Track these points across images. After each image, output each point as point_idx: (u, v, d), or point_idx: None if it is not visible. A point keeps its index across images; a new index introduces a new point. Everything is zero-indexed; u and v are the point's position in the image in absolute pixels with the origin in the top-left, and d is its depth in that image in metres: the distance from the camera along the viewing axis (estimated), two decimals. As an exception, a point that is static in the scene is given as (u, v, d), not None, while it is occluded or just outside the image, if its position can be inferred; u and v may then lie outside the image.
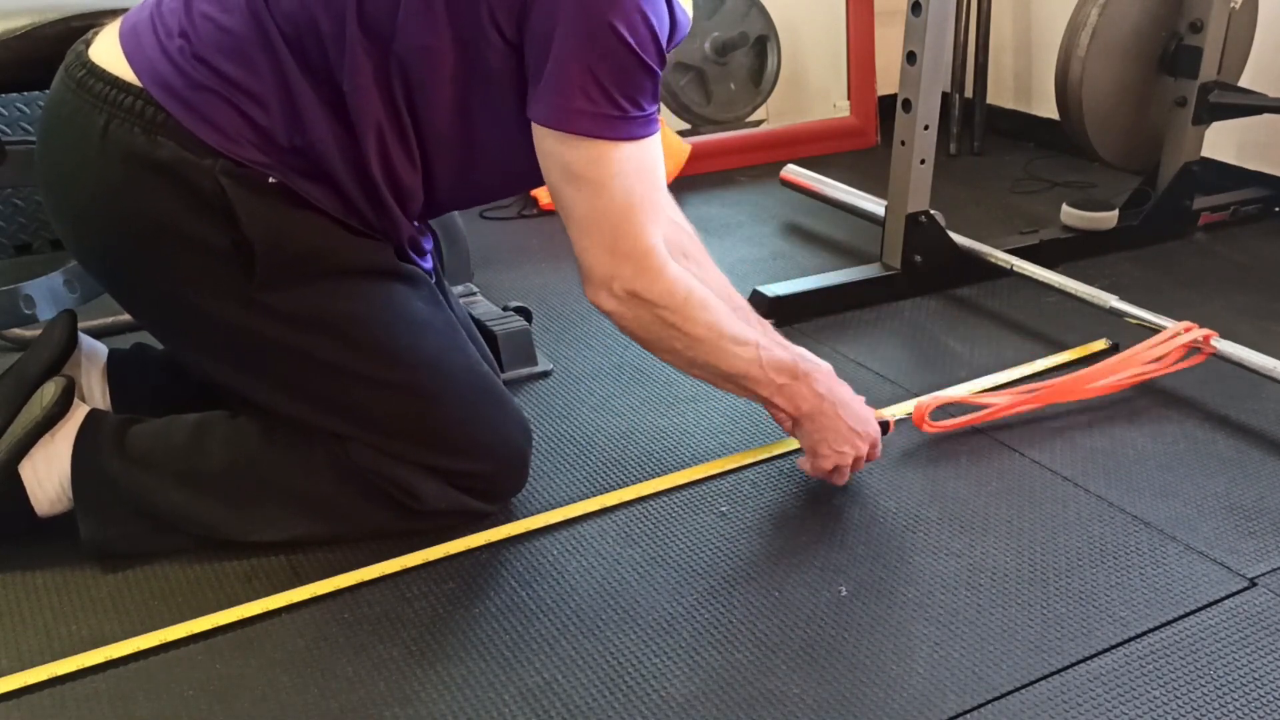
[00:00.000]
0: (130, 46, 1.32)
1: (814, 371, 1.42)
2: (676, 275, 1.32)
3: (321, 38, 1.28)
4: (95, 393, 1.53)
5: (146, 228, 1.32)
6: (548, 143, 1.28)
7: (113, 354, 1.58)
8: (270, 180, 1.31)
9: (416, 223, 1.47)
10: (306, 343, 1.36)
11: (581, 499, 1.54)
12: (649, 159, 1.30)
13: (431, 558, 1.40)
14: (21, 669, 1.24)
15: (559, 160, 1.28)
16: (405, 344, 1.40)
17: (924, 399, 1.65)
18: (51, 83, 1.40)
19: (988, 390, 1.76)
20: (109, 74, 1.31)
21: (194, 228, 1.31)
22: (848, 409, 1.45)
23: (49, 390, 1.38)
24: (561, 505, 1.52)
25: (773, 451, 1.62)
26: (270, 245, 1.31)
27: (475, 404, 1.44)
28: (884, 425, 1.56)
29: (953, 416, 1.67)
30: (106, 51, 1.34)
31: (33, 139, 1.97)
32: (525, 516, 1.50)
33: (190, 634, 1.28)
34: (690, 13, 1.37)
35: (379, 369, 1.38)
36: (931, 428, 1.63)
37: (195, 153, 1.28)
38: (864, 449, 1.47)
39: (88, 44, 1.38)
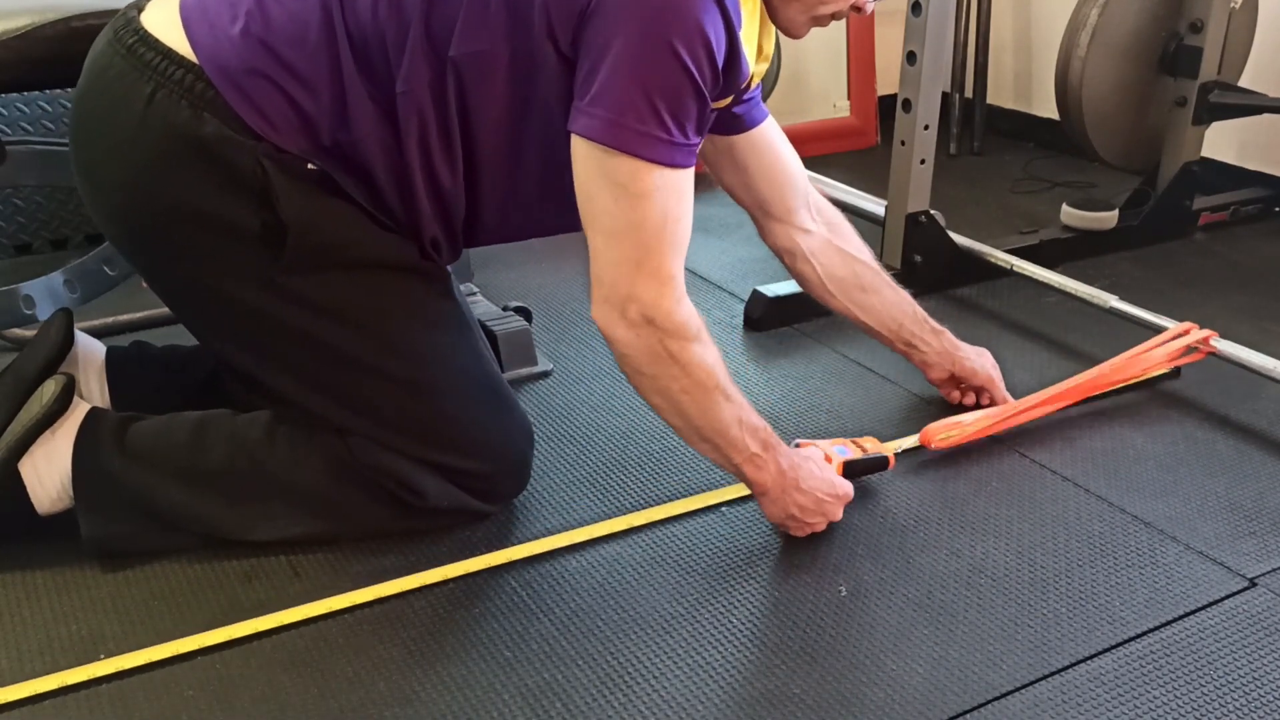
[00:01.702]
0: (191, 21, 1.32)
1: (780, 445, 1.40)
2: (691, 310, 1.31)
3: (385, 44, 1.29)
4: (93, 391, 1.53)
5: (176, 203, 1.32)
6: (589, 155, 1.25)
7: (112, 352, 1.58)
8: (309, 166, 1.31)
9: (464, 245, 1.47)
10: (322, 330, 1.36)
11: (582, 500, 1.54)
12: (685, 190, 1.28)
13: (437, 579, 1.40)
14: (21, 669, 1.24)
15: (599, 172, 1.25)
16: (419, 340, 1.40)
17: (932, 426, 1.63)
18: (47, 85, 1.40)
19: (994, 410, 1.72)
20: (162, 44, 1.31)
21: (225, 207, 1.31)
22: (812, 480, 1.42)
23: (49, 388, 1.38)
24: (562, 506, 1.52)
25: (773, 451, 1.62)
26: (302, 229, 1.32)
27: (482, 404, 1.44)
28: (883, 461, 1.55)
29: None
30: (162, 22, 1.34)
31: (33, 139, 1.97)
32: (525, 517, 1.50)
33: (198, 648, 1.28)
34: (753, 63, 1.36)
35: (390, 362, 1.38)
36: (941, 445, 1.62)
37: (239, 133, 1.29)
38: (836, 514, 1.44)
39: (140, 9, 1.37)
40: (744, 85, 1.35)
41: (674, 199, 1.26)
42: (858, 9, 1.40)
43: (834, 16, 1.41)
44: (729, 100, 1.37)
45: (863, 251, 1.69)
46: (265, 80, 1.28)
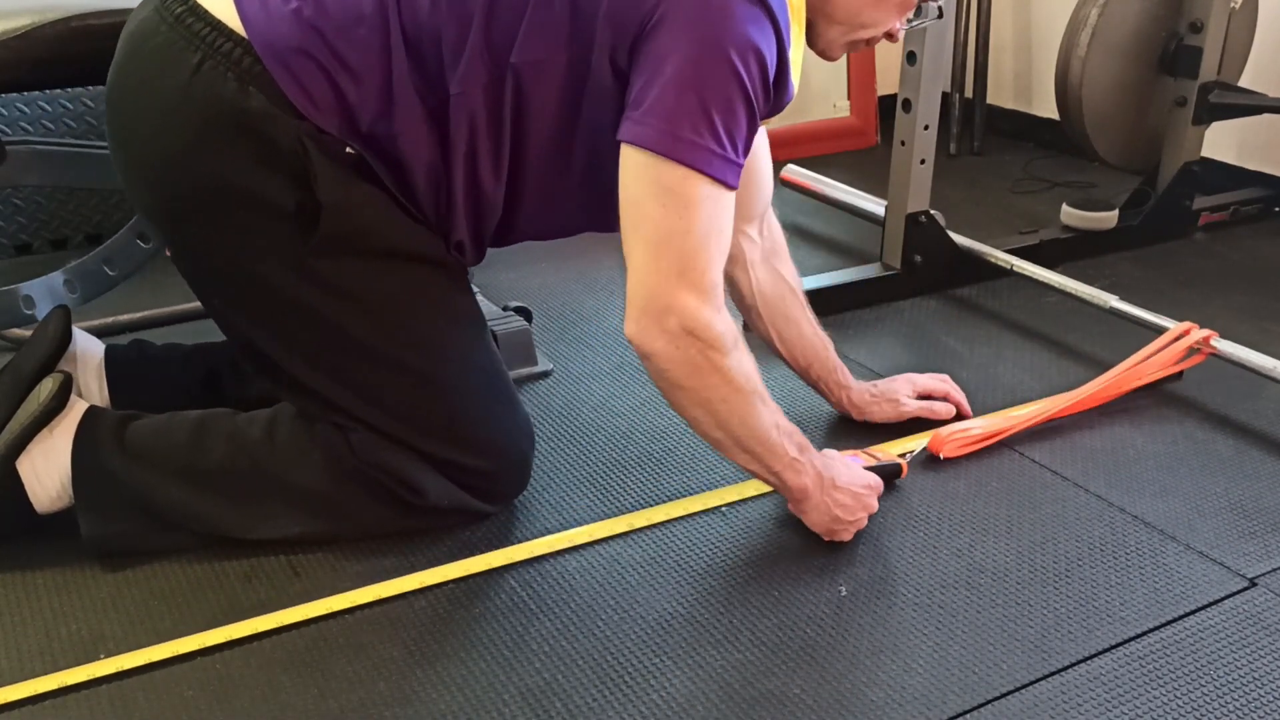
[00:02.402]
0: None
1: (811, 446, 1.40)
2: (730, 320, 1.31)
3: (440, 44, 1.30)
4: (93, 389, 1.53)
5: (212, 176, 1.32)
6: (640, 163, 1.25)
7: (111, 351, 1.58)
8: (348, 150, 1.32)
9: (489, 245, 1.47)
10: (343, 316, 1.36)
11: (582, 500, 1.54)
12: (730, 207, 1.29)
13: (437, 579, 1.40)
14: (21, 669, 1.24)
15: (648, 179, 1.25)
16: (437, 334, 1.41)
17: (942, 431, 1.63)
18: (47, 85, 1.40)
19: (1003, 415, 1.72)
20: (212, 16, 1.31)
21: (262, 184, 1.31)
22: (845, 476, 1.42)
23: (46, 385, 1.38)
24: (562, 506, 1.52)
25: (773, 451, 1.62)
26: (336, 212, 1.32)
27: (488, 401, 1.45)
28: (896, 468, 1.55)
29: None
30: None
31: (33, 139, 1.97)
32: (525, 517, 1.50)
33: (198, 648, 1.28)
34: (797, 86, 1.37)
35: (407, 354, 1.39)
36: (950, 453, 1.62)
37: (283, 110, 1.29)
38: (874, 506, 1.45)
39: None
40: (788, 104, 1.37)
41: (720, 211, 1.27)
42: (890, 36, 1.43)
43: (868, 43, 1.44)
44: (768, 121, 1.39)
45: (795, 280, 1.68)
46: (312, 62, 1.29)
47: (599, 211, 1.37)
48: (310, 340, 1.39)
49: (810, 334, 1.67)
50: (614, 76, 1.29)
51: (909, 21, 1.44)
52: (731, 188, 1.27)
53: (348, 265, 1.35)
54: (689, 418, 1.34)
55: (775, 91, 1.30)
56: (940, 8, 1.61)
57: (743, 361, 1.31)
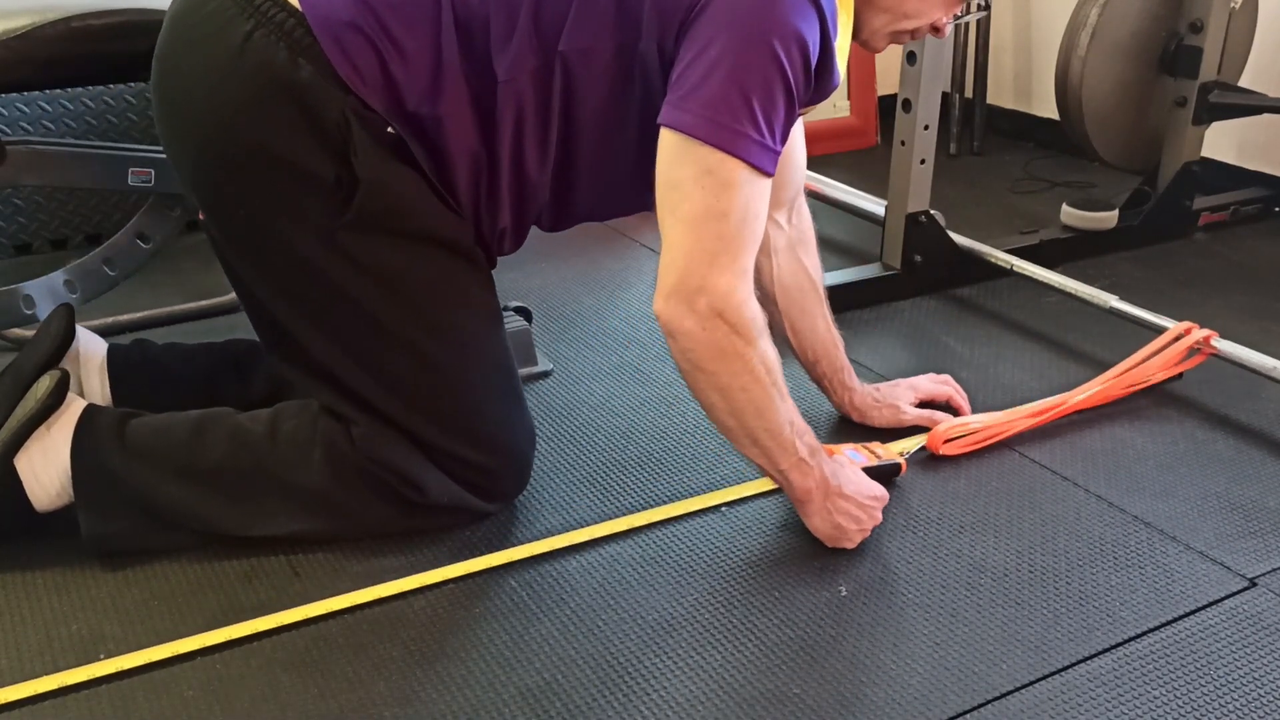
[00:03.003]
0: None
1: (823, 452, 1.40)
2: (758, 308, 1.31)
3: (489, 30, 1.31)
4: (94, 387, 1.53)
5: (257, 141, 1.32)
6: (679, 146, 1.26)
7: (113, 350, 1.58)
8: (389, 130, 1.32)
9: (539, 227, 1.49)
10: (368, 295, 1.37)
11: (582, 500, 1.54)
12: (766, 194, 1.29)
13: (437, 579, 1.40)
14: (21, 669, 1.24)
15: (687, 161, 1.26)
16: (457, 323, 1.41)
17: (939, 428, 1.63)
18: (47, 85, 1.40)
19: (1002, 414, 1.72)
20: None
21: (305, 154, 1.32)
22: (853, 485, 1.42)
23: (43, 383, 1.38)
24: (562, 506, 1.52)
25: (773, 451, 1.62)
26: (373, 188, 1.33)
27: (496, 396, 1.45)
28: (896, 467, 1.56)
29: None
30: None
31: (33, 139, 1.97)
32: (525, 517, 1.50)
33: (198, 648, 1.28)
34: (843, 74, 1.38)
35: (426, 340, 1.39)
36: (949, 451, 1.62)
37: (331, 83, 1.30)
38: (879, 517, 1.45)
39: None
40: (832, 92, 1.37)
41: (756, 197, 1.28)
42: (936, 30, 1.44)
43: (913, 35, 1.45)
44: (812, 108, 1.39)
45: (818, 274, 1.68)
46: (363, 37, 1.29)
47: (650, 190, 1.38)
48: (330, 314, 1.39)
49: (824, 330, 1.67)
50: (662, 63, 1.30)
51: (956, 16, 1.45)
52: (768, 174, 1.28)
53: (377, 243, 1.36)
54: (705, 402, 1.34)
55: (819, 80, 1.31)
56: (987, 1, 1.62)
57: (766, 352, 1.31)
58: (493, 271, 1.48)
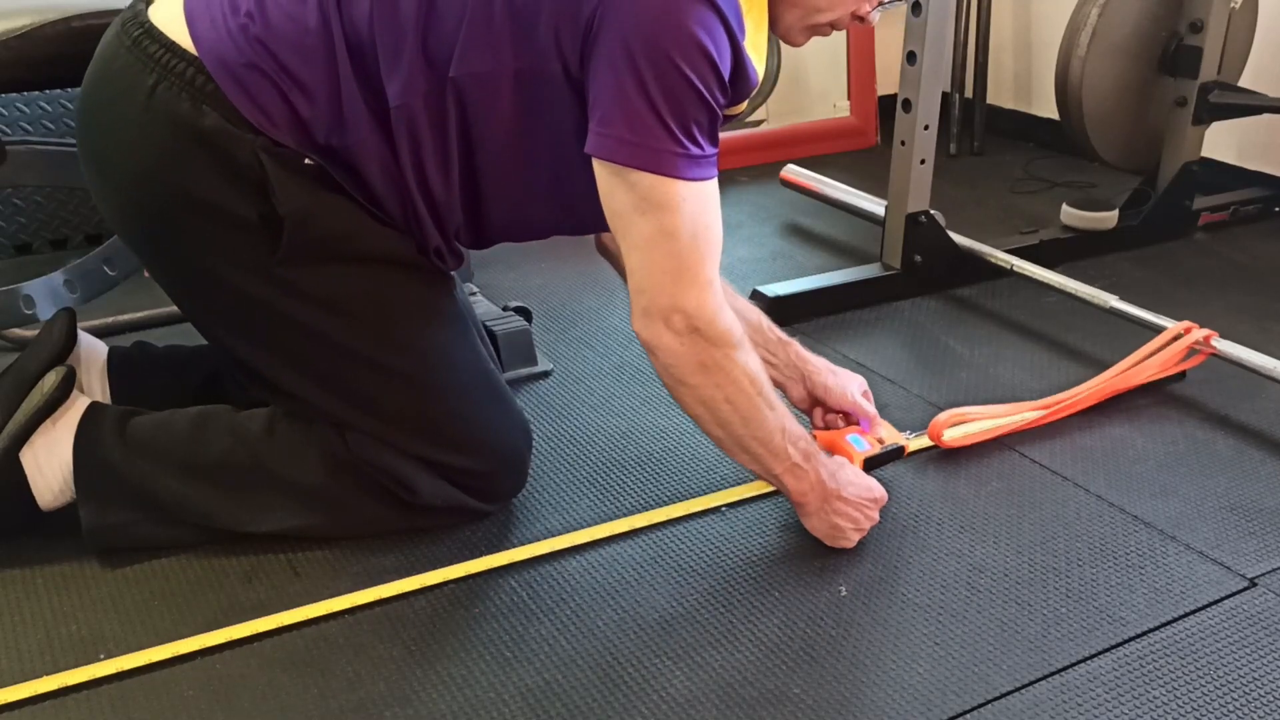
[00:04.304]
0: (195, 16, 1.33)
1: (820, 454, 1.40)
2: (733, 318, 1.31)
3: (378, 54, 1.29)
4: (95, 390, 1.54)
5: (177, 193, 1.33)
6: (610, 175, 1.26)
7: (114, 352, 1.58)
8: (306, 161, 1.32)
9: (468, 247, 1.47)
10: (321, 323, 1.37)
11: (582, 500, 1.54)
12: (711, 197, 1.28)
13: (437, 579, 1.40)
14: (21, 669, 1.24)
15: (621, 190, 1.26)
16: (417, 335, 1.41)
17: (939, 417, 1.63)
18: (47, 85, 1.40)
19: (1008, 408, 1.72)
20: (166, 38, 1.32)
21: (225, 198, 1.32)
22: (852, 488, 1.41)
23: (50, 378, 1.39)
24: (562, 507, 1.52)
25: (773, 451, 1.62)
26: (299, 222, 1.32)
27: (477, 401, 1.45)
28: (899, 450, 1.56)
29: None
30: (166, 15, 1.34)
31: (33, 139, 1.97)
32: (525, 517, 1.50)
33: (198, 648, 1.28)
34: (761, 71, 1.35)
35: (386, 355, 1.39)
36: (950, 443, 1.63)
37: (238, 126, 1.30)
38: (875, 519, 1.44)
39: (148, 3, 1.38)
40: (754, 91, 1.35)
41: (700, 206, 1.26)
42: (860, 19, 1.39)
43: (833, 26, 1.40)
44: (743, 106, 1.37)
45: (739, 301, 1.57)
46: (263, 76, 1.29)
47: (571, 214, 1.38)
48: (292, 348, 1.39)
49: (773, 347, 1.58)
50: (569, 84, 1.28)
51: (882, 4, 1.40)
52: (703, 179, 1.26)
53: (317, 273, 1.35)
54: (692, 415, 1.34)
55: (734, 84, 1.28)
56: None
57: (748, 361, 1.31)
58: (493, 272, 1.48)
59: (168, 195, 1.33)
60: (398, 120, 1.30)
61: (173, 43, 1.31)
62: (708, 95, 1.23)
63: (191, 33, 1.31)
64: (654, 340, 1.28)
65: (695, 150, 1.24)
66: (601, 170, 1.26)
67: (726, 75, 1.25)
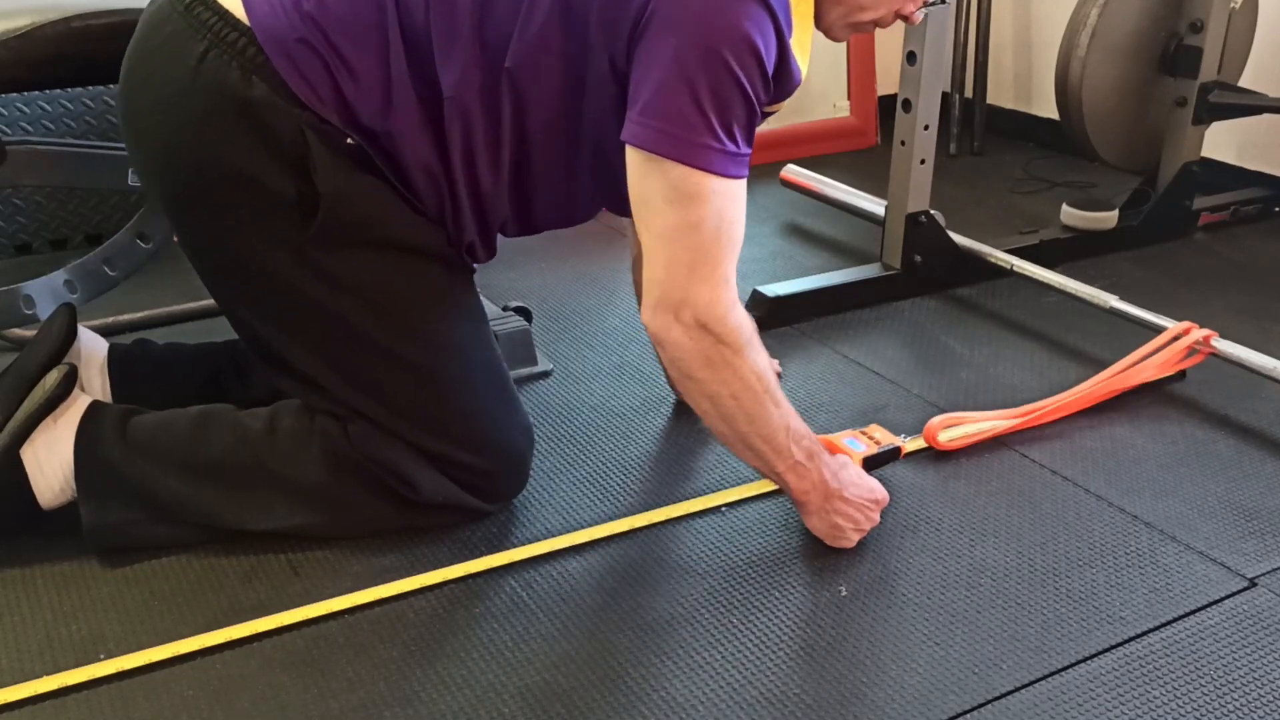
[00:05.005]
0: None
1: (823, 453, 1.40)
2: (744, 317, 1.32)
3: (433, 47, 1.30)
4: (95, 386, 1.54)
5: (216, 163, 1.33)
6: (643, 163, 1.26)
7: (114, 348, 1.58)
8: (348, 141, 1.32)
9: (504, 235, 1.48)
10: (344, 307, 1.37)
11: (582, 500, 1.54)
12: (739, 197, 1.29)
13: (437, 579, 1.40)
14: (21, 669, 1.24)
15: (652, 178, 1.26)
16: (437, 328, 1.41)
17: (935, 419, 1.64)
18: (47, 85, 1.40)
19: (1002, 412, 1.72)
20: (219, 6, 1.32)
21: (264, 171, 1.32)
22: (854, 489, 1.42)
23: (51, 376, 1.39)
24: (562, 507, 1.52)
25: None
26: (335, 202, 1.33)
27: (486, 398, 1.45)
28: (896, 451, 1.56)
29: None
30: None
31: (33, 139, 1.97)
32: (525, 517, 1.50)
33: (198, 648, 1.28)
34: (806, 70, 1.36)
35: (407, 348, 1.39)
36: (943, 446, 1.62)
37: (285, 100, 1.30)
38: (876, 520, 1.45)
39: None
40: (795, 89, 1.36)
41: (728, 203, 1.27)
42: (904, 17, 1.42)
43: (876, 24, 1.42)
44: (780, 106, 1.38)
45: None
46: (313, 53, 1.29)
47: (612, 196, 1.39)
48: (310, 329, 1.39)
49: None
50: (614, 77, 1.30)
51: (927, 4, 1.43)
52: (738, 178, 1.27)
53: (347, 256, 1.36)
54: (698, 409, 1.35)
55: (777, 80, 1.30)
56: None
57: (756, 359, 1.31)
58: (493, 272, 1.48)
59: (207, 165, 1.33)
60: (451, 111, 1.31)
61: (226, 11, 1.31)
62: (751, 93, 1.25)
63: (245, 3, 1.31)
64: (662, 333, 1.29)
65: (731, 147, 1.26)
66: (635, 157, 1.27)
67: (772, 72, 1.27)
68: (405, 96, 1.31)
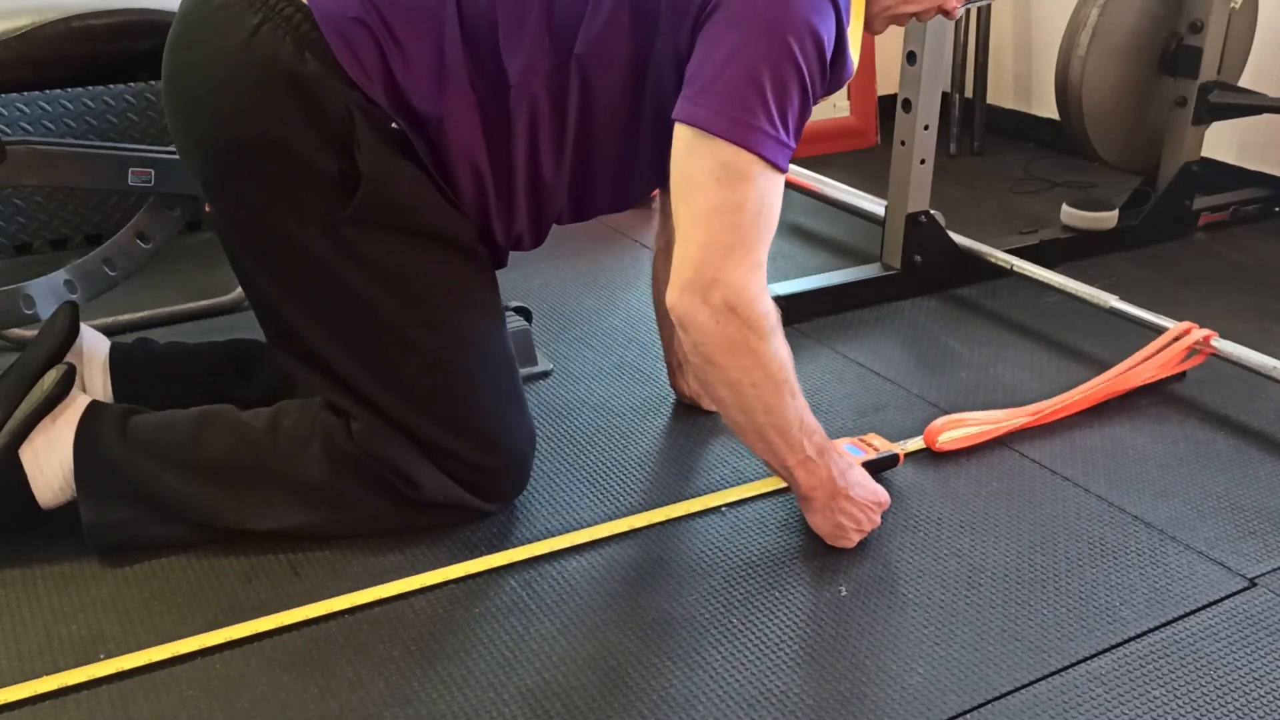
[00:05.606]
0: None
1: (833, 452, 1.40)
2: (771, 303, 1.31)
3: (497, 35, 1.31)
4: (96, 384, 1.54)
5: (261, 136, 1.33)
6: (693, 140, 1.27)
7: (115, 347, 1.58)
8: (393, 125, 1.33)
9: (558, 224, 1.50)
10: (366, 286, 1.37)
11: (582, 500, 1.54)
12: (779, 188, 1.30)
13: (437, 579, 1.40)
14: (21, 669, 1.24)
15: (702, 154, 1.27)
16: (458, 321, 1.42)
17: (935, 422, 1.64)
18: (47, 85, 1.40)
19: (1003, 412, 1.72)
20: None
21: (308, 147, 1.32)
22: (859, 489, 1.42)
23: (50, 376, 1.39)
24: (562, 507, 1.52)
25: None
26: (375, 183, 1.33)
27: (496, 396, 1.45)
28: (894, 458, 1.56)
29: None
30: None
31: (33, 139, 1.97)
32: (526, 517, 1.50)
33: (198, 648, 1.28)
34: (856, 63, 1.38)
35: (422, 333, 1.40)
36: (945, 447, 1.63)
37: (336, 78, 1.30)
38: (878, 522, 1.45)
39: None
40: (847, 81, 1.38)
41: (770, 188, 1.28)
42: (945, 12, 1.45)
43: (918, 18, 1.45)
44: (826, 99, 1.40)
45: None
46: (367, 33, 1.30)
47: (664, 178, 1.39)
48: (331, 308, 1.39)
49: None
50: (676, 60, 1.31)
51: (968, 1, 1.45)
52: (782, 170, 1.29)
53: (379, 238, 1.36)
54: (715, 396, 1.35)
55: (833, 71, 1.32)
56: None
57: (779, 349, 1.32)
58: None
59: (252, 136, 1.33)
60: (517, 100, 1.33)
61: None
62: (810, 81, 1.27)
63: None
64: (688, 316, 1.28)
65: (783, 136, 1.27)
66: (685, 134, 1.27)
67: (829, 62, 1.29)
68: (459, 85, 1.32)
